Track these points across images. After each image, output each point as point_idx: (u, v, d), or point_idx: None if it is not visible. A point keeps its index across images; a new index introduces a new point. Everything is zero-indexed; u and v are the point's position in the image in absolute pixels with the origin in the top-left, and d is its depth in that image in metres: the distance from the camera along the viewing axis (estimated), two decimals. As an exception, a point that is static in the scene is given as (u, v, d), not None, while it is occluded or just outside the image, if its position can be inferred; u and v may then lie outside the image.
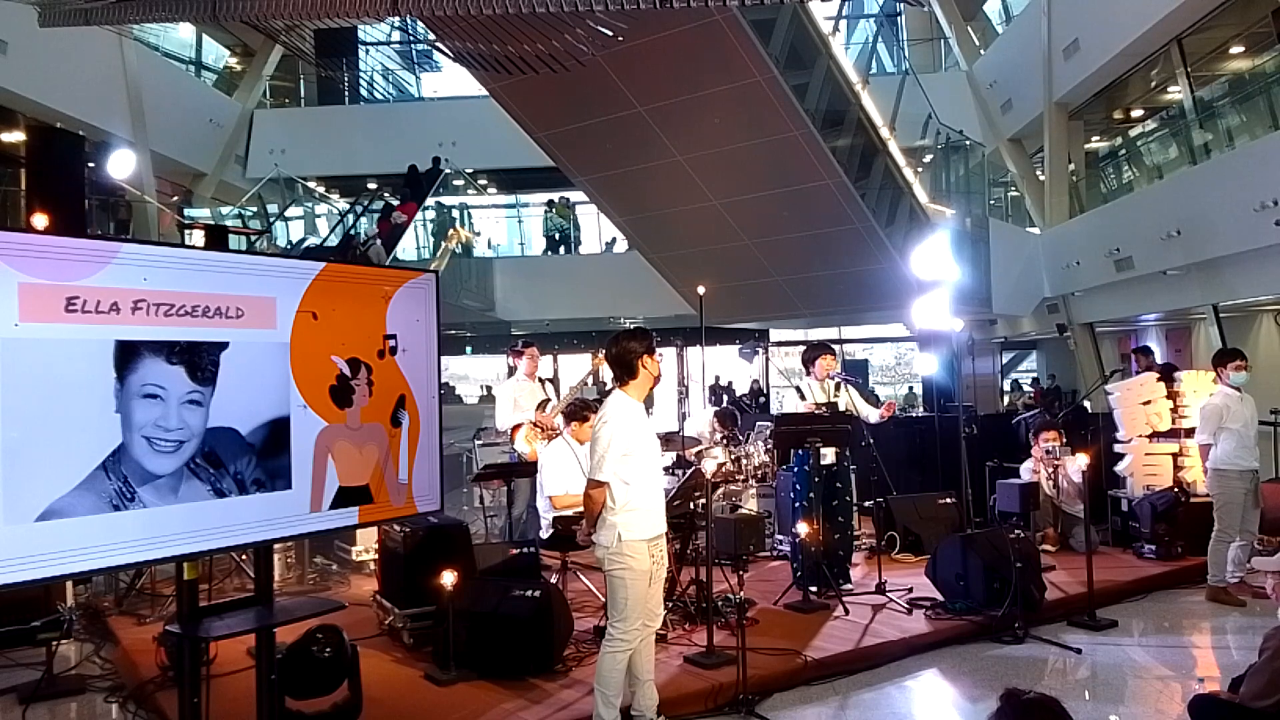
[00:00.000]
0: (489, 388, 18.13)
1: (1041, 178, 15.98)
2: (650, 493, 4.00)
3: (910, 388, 21.65)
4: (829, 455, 6.37)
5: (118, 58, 14.32)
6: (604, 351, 4.28)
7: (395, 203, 15.69)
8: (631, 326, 4.20)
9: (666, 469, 7.48)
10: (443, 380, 4.98)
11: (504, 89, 9.79)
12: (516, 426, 7.36)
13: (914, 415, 14.49)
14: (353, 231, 13.95)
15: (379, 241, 13.70)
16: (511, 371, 8.36)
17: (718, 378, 18.68)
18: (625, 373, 4.06)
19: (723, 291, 11.90)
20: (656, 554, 3.99)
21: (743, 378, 19.48)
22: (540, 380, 7.83)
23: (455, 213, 17.97)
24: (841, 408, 6.62)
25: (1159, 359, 9.56)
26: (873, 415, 6.78)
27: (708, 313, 8.30)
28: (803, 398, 6.59)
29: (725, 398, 17.01)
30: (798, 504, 6.27)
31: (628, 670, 4.03)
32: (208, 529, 3.27)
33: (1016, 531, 5.93)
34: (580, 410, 6.28)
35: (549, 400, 7.61)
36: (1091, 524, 6.70)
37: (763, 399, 18.15)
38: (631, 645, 3.90)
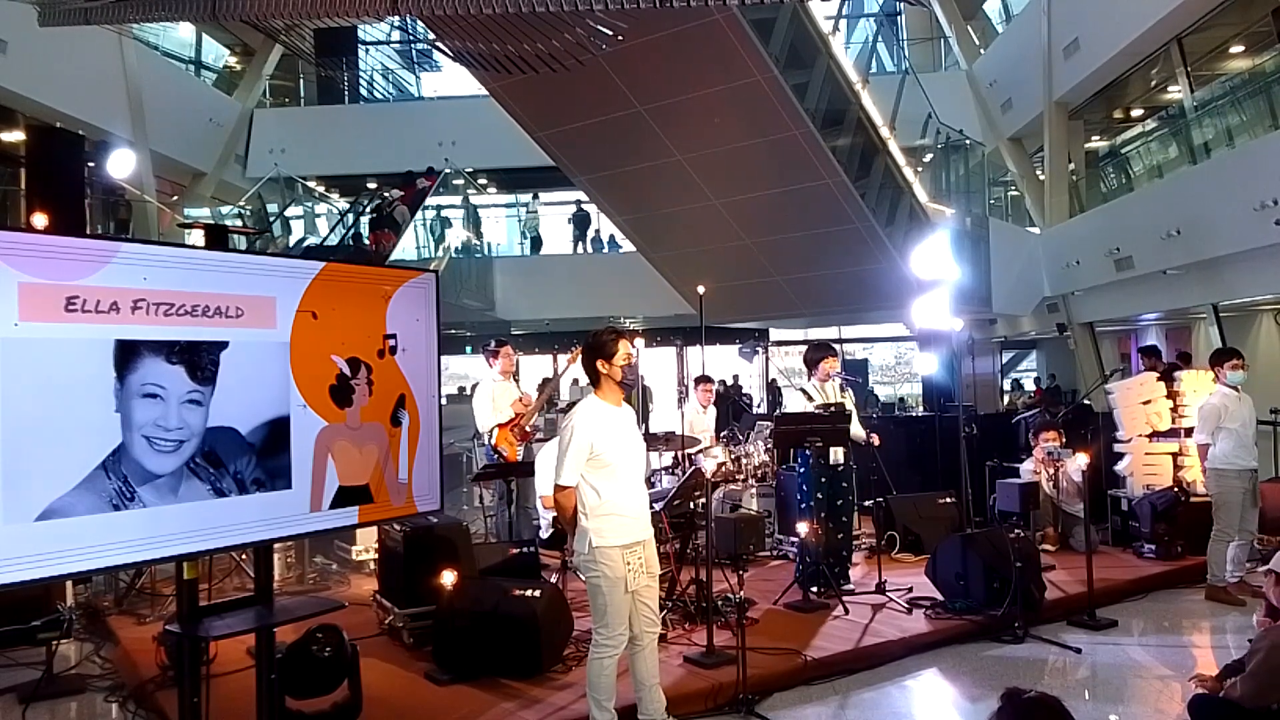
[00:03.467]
0: (463, 388, 18.25)
1: (1041, 177, 15.98)
2: (626, 499, 3.94)
3: (900, 396, 21.64)
4: (837, 454, 6.37)
5: (117, 57, 14.32)
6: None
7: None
8: (603, 328, 4.04)
9: (666, 469, 7.52)
10: (442, 380, 4.98)
11: (504, 88, 9.79)
12: (496, 428, 7.35)
13: (914, 415, 14.52)
14: (385, 195, 14.92)
15: (404, 205, 14.72)
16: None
17: (736, 378, 18.39)
18: (590, 378, 4.07)
19: (723, 291, 11.90)
20: (634, 561, 3.91)
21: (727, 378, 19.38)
22: (516, 379, 7.84)
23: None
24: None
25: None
26: (860, 434, 6.65)
27: (708, 313, 8.30)
28: (810, 399, 6.58)
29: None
30: (804, 504, 6.25)
31: (633, 676, 4.03)
32: (208, 529, 3.27)
33: (1016, 531, 5.93)
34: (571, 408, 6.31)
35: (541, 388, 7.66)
36: (1091, 523, 6.71)
37: (768, 397, 18.09)
38: (616, 650, 3.88)
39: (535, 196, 18.98)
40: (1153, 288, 12.60)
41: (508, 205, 20.08)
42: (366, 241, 14.64)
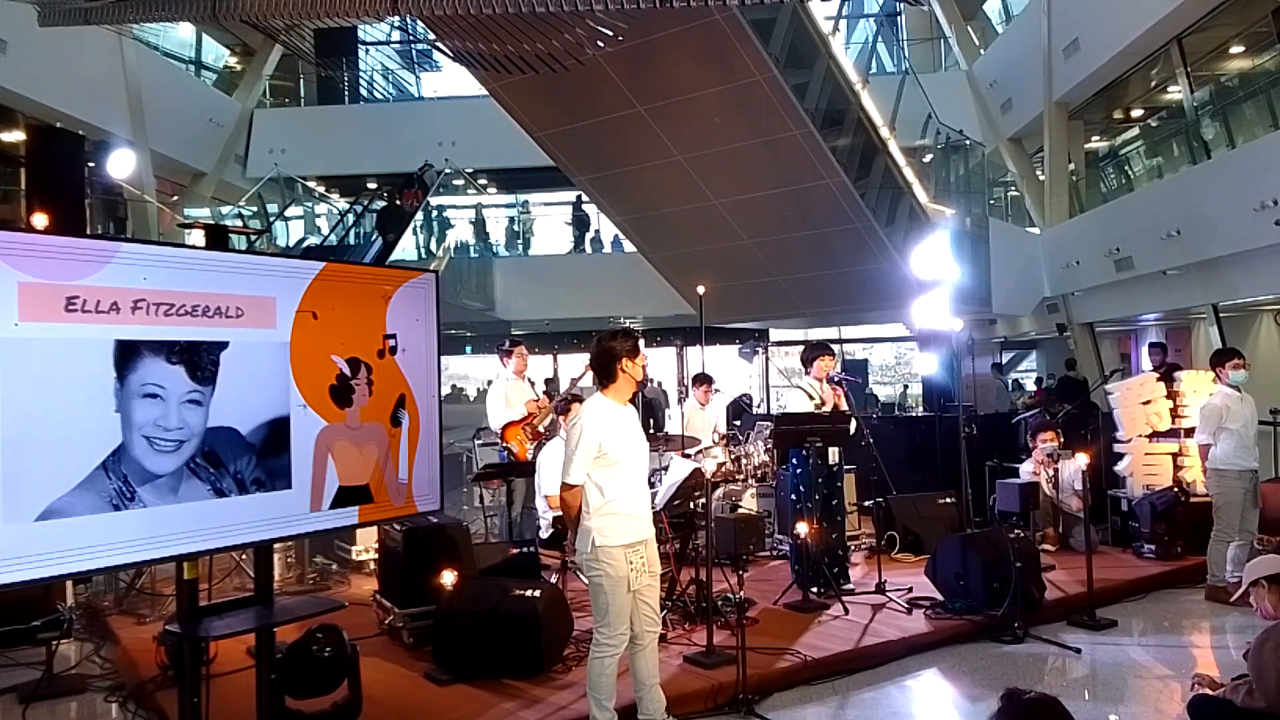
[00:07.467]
0: (455, 386, 18.63)
1: (1041, 177, 15.97)
2: (630, 499, 3.94)
3: (906, 386, 21.62)
4: (834, 454, 6.37)
5: (117, 57, 14.31)
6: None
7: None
8: (617, 327, 4.05)
9: (666, 468, 7.52)
10: (444, 380, 4.98)
11: (504, 88, 9.78)
12: (508, 425, 7.36)
13: (914, 415, 14.52)
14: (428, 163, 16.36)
15: (432, 169, 16.09)
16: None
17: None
18: (603, 376, 4.04)
19: (723, 291, 11.89)
20: (636, 561, 3.91)
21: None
22: (530, 381, 7.87)
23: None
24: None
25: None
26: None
27: (708, 313, 8.29)
28: (811, 397, 6.58)
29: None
30: (800, 504, 6.25)
31: (633, 675, 4.03)
32: (208, 529, 3.27)
33: (1016, 531, 5.93)
34: (569, 404, 6.31)
35: (548, 392, 7.65)
36: (1091, 523, 6.71)
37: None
38: (617, 650, 3.88)
39: (525, 204, 19.07)
40: (1153, 288, 12.60)
41: (507, 205, 20.08)
42: (400, 200, 15.46)
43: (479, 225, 18.36)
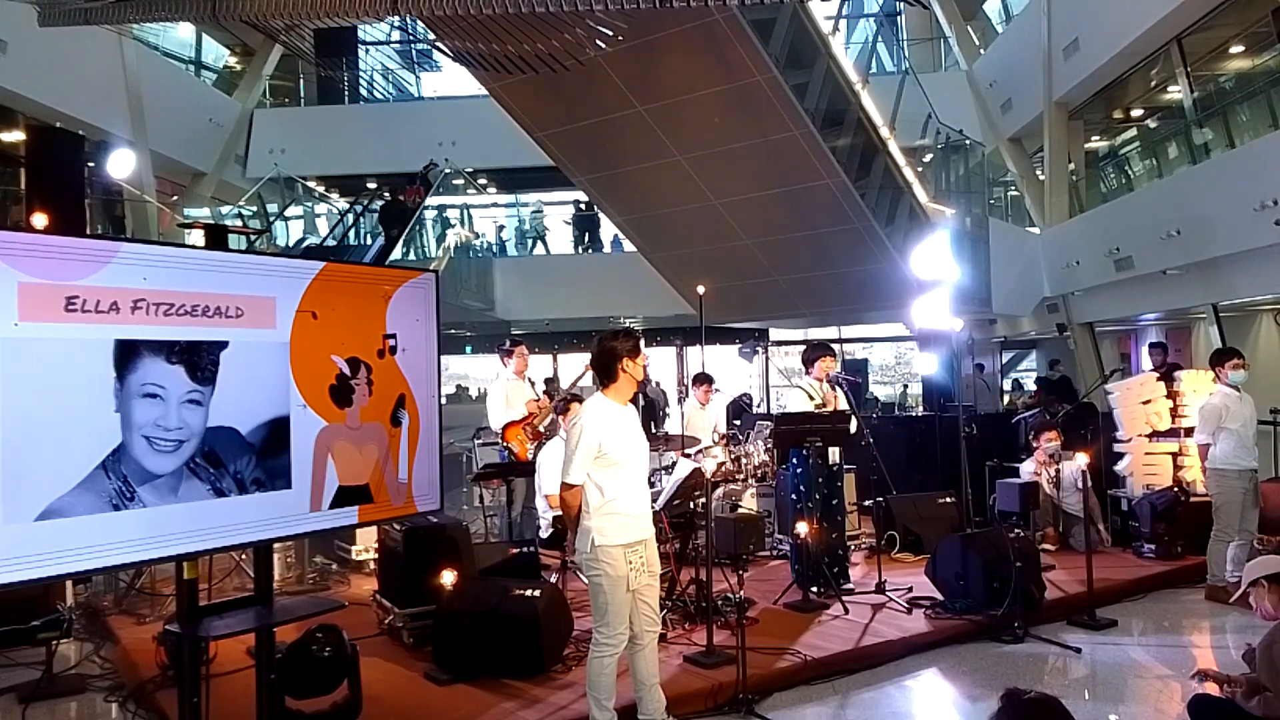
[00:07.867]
0: (461, 387, 18.99)
1: (1041, 177, 15.97)
2: (630, 498, 3.94)
3: (906, 386, 21.62)
4: (834, 454, 6.38)
5: (117, 57, 14.31)
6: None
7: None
8: (618, 327, 4.05)
9: (666, 469, 7.52)
10: (444, 380, 4.98)
11: (504, 88, 9.78)
12: (509, 425, 7.36)
13: (914, 415, 14.51)
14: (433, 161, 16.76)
15: (437, 168, 16.43)
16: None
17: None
18: (604, 376, 4.04)
19: (723, 291, 11.89)
20: (636, 560, 3.92)
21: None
22: (530, 380, 7.87)
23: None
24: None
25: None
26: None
27: (708, 313, 8.29)
28: (811, 397, 6.59)
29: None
30: (800, 504, 6.25)
31: (633, 675, 4.03)
32: (207, 528, 3.28)
33: (1016, 531, 5.93)
34: (569, 404, 6.32)
35: (548, 391, 7.66)
36: (1091, 523, 6.70)
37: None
38: (617, 649, 3.88)
39: (538, 205, 19.11)
40: (1153, 288, 12.59)
41: (508, 205, 20.07)
42: (403, 196, 15.72)
43: (466, 225, 18.33)
